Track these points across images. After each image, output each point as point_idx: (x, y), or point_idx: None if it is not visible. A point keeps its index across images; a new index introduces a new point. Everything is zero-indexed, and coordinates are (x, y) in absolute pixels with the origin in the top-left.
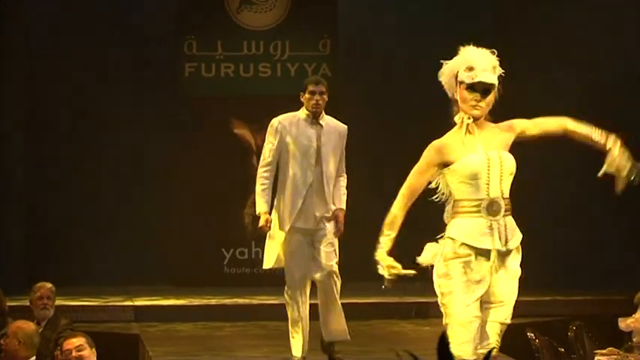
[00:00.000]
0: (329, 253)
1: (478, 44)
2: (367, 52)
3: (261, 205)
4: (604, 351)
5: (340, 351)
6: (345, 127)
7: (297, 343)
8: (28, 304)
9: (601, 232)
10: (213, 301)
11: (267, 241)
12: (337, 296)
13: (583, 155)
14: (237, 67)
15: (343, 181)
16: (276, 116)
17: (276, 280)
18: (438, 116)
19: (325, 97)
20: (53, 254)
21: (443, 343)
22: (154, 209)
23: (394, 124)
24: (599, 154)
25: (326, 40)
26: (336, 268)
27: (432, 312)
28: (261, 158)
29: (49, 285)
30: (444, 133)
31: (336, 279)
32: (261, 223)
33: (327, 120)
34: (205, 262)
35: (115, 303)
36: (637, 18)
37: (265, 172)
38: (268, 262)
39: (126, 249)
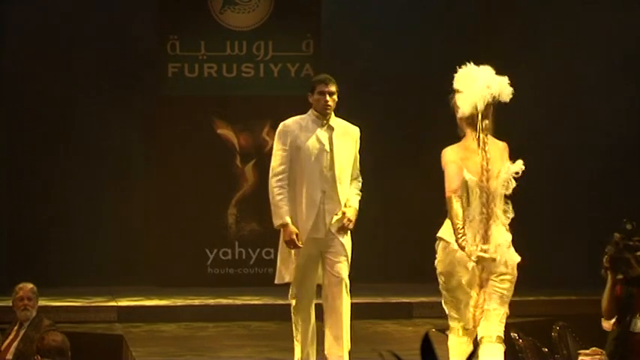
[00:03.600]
0: (340, 265)
1: (464, 43)
2: (351, 52)
3: (282, 216)
4: (587, 351)
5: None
6: (357, 128)
7: (298, 349)
8: (10, 304)
9: (586, 231)
10: (196, 302)
11: (280, 253)
12: (343, 313)
13: (569, 156)
14: (221, 67)
15: (357, 183)
16: (262, 117)
17: (259, 280)
18: (421, 116)
19: (335, 97)
20: (36, 255)
21: (426, 343)
22: (137, 209)
23: (378, 124)
24: (588, 153)
25: (309, 40)
26: (346, 279)
27: (415, 312)
28: (272, 167)
29: (29, 286)
30: (426, 133)
31: (345, 294)
32: (288, 237)
33: (337, 122)
34: (189, 262)
35: (98, 303)
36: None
37: (279, 180)
38: (283, 277)
39: (109, 249)
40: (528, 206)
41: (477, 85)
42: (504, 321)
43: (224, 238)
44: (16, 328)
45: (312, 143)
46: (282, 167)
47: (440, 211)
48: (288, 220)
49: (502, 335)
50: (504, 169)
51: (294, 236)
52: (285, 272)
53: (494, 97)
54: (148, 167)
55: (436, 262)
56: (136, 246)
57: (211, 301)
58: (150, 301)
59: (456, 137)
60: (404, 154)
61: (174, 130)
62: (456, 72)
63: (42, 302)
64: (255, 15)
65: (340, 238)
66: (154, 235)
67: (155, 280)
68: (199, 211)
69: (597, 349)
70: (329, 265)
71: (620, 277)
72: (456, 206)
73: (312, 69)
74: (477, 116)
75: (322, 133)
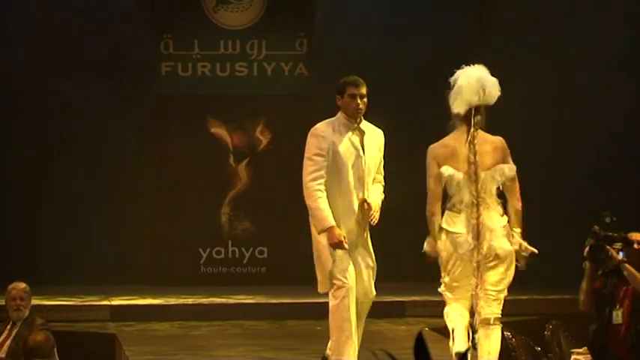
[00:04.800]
0: (369, 272)
1: (457, 41)
2: (344, 51)
3: (327, 219)
4: (580, 350)
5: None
6: (382, 132)
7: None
8: (4, 303)
9: (579, 231)
10: (189, 301)
11: (319, 262)
12: (364, 321)
13: (562, 157)
14: (214, 66)
15: (380, 187)
16: (256, 116)
17: (252, 279)
18: (413, 114)
19: (366, 99)
20: (29, 253)
21: (420, 342)
22: (130, 208)
23: (371, 123)
24: (582, 153)
25: (303, 39)
26: (374, 294)
27: (408, 311)
28: (309, 171)
29: (22, 285)
30: (417, 132)
31: (369, 303)
32: (336, 239)
33: (365, 124)
34: (182, 261)
35: (91, 302)
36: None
37: (319, 185)
38: (325, 285)
39: (102, 248)
40: (524, 202)
41: (472, 86)
42: (502, 304)
43: (217, 237)
44: (9, 326)
45: (347, 148)
46: (321, 172)
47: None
48: (333, 222)
49: (500, 316)
50: (499, 169)
51: (342, 238)
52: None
53: (485, 99)
54: (142, 166)
55: (439, 249)
56: (129, 245)
57: (204, 300)
58: (143, 300)
59: (446, 134)
60: (391, 153)
61: (168, 128)
62: (448, 70)
63: (35, 301)
64: (249, 14)
65: (368, 254)
66: (147, 234)
67: (148, 279)
68: (192, 210)
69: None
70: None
71: (599, 272)
72: (435, 223)
73: (306, 68)
74: (471, 112)
75: (354, 138)
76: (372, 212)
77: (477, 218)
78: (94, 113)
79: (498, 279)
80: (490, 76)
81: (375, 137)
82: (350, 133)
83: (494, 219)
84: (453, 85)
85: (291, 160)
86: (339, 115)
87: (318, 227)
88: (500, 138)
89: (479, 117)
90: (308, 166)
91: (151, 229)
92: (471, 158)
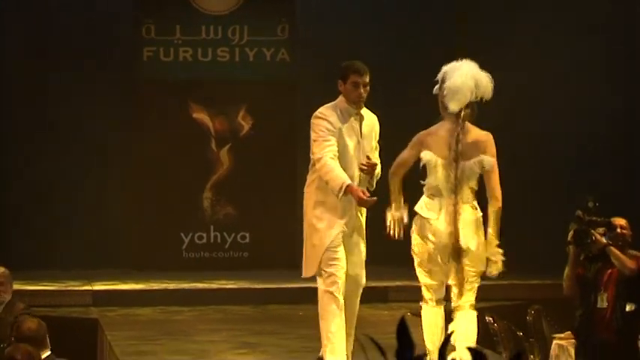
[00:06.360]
0: (360, 259)
1: (441, 29)
2: (326, 37)
3: (343, 179)
4: (562, 335)
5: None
6: (376, 117)
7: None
8: None
9: (560, 216)
10: (171, 286)
11: (308, 246)
12: (355, 313)
13: (544, 143)
14: (196, 51)
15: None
16: (238, 102)
17: (234, 264)
18: (396, 98)
19: (368, 88)
20: (11, 238)
21: (402, 327)
22: (112, 193)
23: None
24: (564, 140)
25: (284, 25)
26: (364, 282)
27: (391, 296)
28: (320, 147)
29: (1, 270)
30: (400, 117)
31: (359, 290)
32: (359, 193)
33: (364, 110)
34: (164, 246)
35: (73, 287)
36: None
37: (334, 155)
38: (312, 270)
39: (84, 233)
40: (503, 190)
41: (467, 85)
42: (476, 291)
43: (199, 222)
44: None
45: (348, 134)
46: (334, 147)
47: (416, 191)
48: (349, 180)
49: (474, 303)
50: (478, 161)
51: (361, 192)
52: (311, 265)
53: (478, 96)
54: (124, 150)
55: (412, 235)
56: (112, 230)
57: (187, 285)
58: (125, 285)
59: (432, 123)
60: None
61: (150, 113)
62: (431, 58)
63: (17, 286)
64: None
65: (362, 241)
66: (130, 219)
67: (130, 264)
68: (175, 195)
69: (572, 332)
70: (350, 267)
71: (582, 257)
72: (397, 184)
73: (288, 53)
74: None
75: (355, 123)
76: (371, 165)
77: (455, 205)
78: (75, 98)
79: (470, 270)
80: (481, 72)
81: (371, 123)
82: (352, 119)
83: (467, 211)
84: (443, 81)
85: (272, 146)
86: (340, 100)
87: (336, 190)
88: (487, 133)
89: (468, 110)
90: (318, 145)
91: (133, 215)
92: (453, 146)
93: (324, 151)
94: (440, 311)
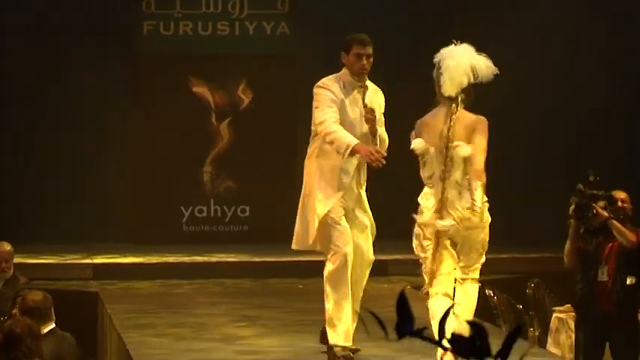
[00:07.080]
0: (366, 234)
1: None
2: (326, 11)
3: (350, 139)
4: (562, 308)
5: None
6: (381, 92)
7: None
8: None
9: (561, 190)
10: (171, 259)
11: (302, 219)
12: (363, 287)
13: (535, 117)
14: (196, 25)
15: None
16: (238, 75)
17: (234, 238)
18: (397, 74)
19: (371, 59)
20: (11, 211)
21: (402, 300)
22: (112, 167)
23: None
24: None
25: None
26: (372, 257)
27: (391, 269)
28: (322, 113)
29: (7, 247)
30: (399, 94)
31: (368, 267)
32: (369, 151)
33: (368, 83)
34: (164, 220)
35: (73, 261)
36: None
37: (337, 119)
38: (305, 243)
39: (85, 207)
40: (504, 164)
41: (462, 68)
42: (479, 270)
43: (199, 195)
44: None
45: (351, 106)
46: (336, 115)
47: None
48: (355, 140)
49: (477, 277)
50: (459, 147)
51: (370, 148)
52: (304, 238)
53: (477, 78)
54: (124, 124)
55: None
56: (112, 204)
57: (186, 259)
58: (125, 258)
59: (431, 101)
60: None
61: (150, 88)
62: (430, 33)
63: (17, 259)
64: None
65: (365, 215)
66: (130, 192)
67: (130, 237)
68: (175, 168)
69: (572, 306)
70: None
71: (582, 231)
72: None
73: (288, 27)
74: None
75: (358, 95)
76: (374, 117)
77: (443, 192)
78: (75, 72)
79: (470, 256)
80: (477, 55)
81: (376, 96)
82: (355, 91)
83: (462, 197)
84: (439, 66)
85: (272, 119)
86: (344, 72)
87: (342, 149)
88: (481, 117)
89: (463, 95)
90: (320, 111)
91: (133, 188)
92: (444, 132)
93: (327, 115)
94: (449, 301)
